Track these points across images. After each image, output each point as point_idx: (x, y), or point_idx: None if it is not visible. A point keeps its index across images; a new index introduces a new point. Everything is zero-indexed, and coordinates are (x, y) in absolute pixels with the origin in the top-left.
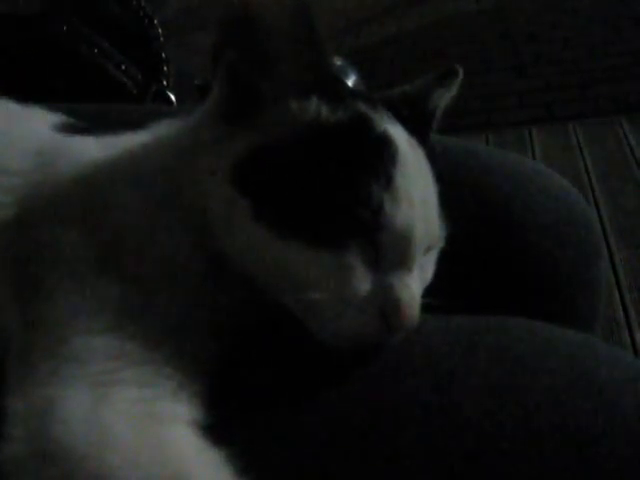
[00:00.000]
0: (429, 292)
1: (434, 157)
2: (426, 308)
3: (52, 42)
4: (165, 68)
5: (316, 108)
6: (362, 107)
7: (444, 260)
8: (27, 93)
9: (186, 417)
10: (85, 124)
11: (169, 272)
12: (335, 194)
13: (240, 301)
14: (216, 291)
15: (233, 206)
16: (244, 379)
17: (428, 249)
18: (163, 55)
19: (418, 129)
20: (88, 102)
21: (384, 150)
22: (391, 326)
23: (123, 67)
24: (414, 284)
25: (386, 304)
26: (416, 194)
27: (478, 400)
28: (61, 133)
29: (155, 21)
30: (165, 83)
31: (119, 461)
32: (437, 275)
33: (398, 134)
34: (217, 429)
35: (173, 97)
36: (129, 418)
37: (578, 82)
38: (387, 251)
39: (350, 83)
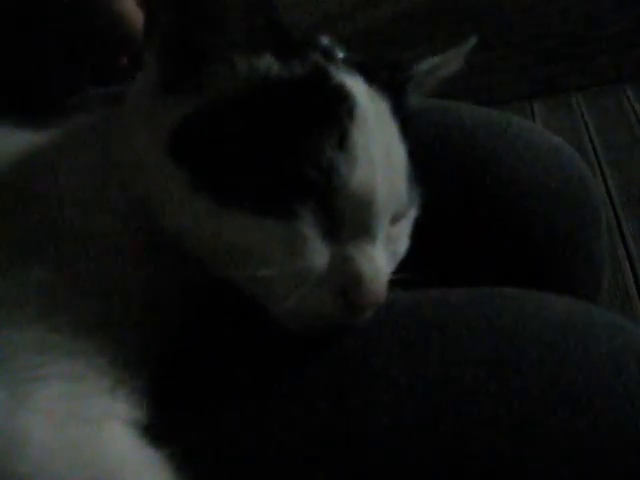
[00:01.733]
0: (406, 267)
1: (408, 119)
2: (405, 285)
3: None
4: None
5: (268, 65)
6: (318, 59)
7: (424, 229)
8: None
9: (122, 415)
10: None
11: (102, 253)
12: (281, 154)
13: (185, 282)
14: (157, 272)
15: (170, 178)
16: (192, 371)
17: (397, 218)
18: None
19: (392, 91)
20: None
21: (339, 103)
22: (353, 304)
23: None
24: (379, 256)
25: (346, 279)
26: (377, 153)
27: (457, 378)
28: None
29: None
30: None
31: (29, 468)
32: (417, 248)
33: (357, 87)
34: (160, 428)
35: None
36: (52, 418)
37: (578, 53)
38: (345, 218)
39: None
